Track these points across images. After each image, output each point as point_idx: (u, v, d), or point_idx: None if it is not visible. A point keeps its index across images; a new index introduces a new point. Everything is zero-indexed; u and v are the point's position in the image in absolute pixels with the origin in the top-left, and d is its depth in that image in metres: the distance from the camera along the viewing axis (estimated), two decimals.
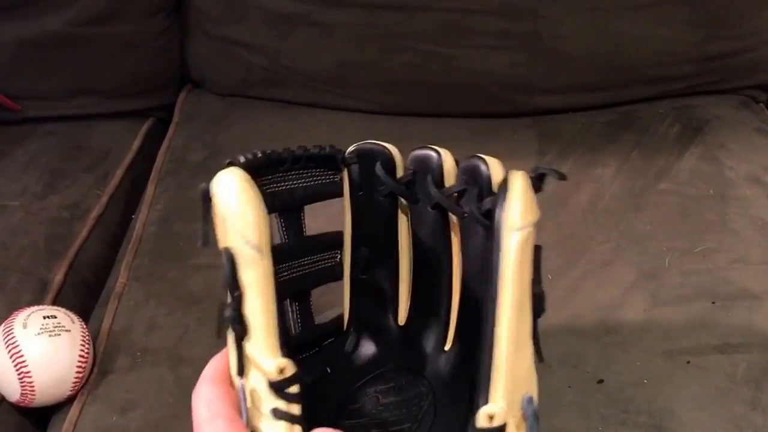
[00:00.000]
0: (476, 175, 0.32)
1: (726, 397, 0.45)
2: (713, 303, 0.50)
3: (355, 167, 0.36)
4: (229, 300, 0.30)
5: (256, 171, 0.34)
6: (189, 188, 0.64)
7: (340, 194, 0.38)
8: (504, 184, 0.30)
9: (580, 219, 0.59)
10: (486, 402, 0.29)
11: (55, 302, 0.55)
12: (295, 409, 0.31)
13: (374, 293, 0.38)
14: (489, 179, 0.32)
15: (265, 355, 0.29)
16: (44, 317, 0.47)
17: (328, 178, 0.37)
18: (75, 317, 0.49)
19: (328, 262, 0.39)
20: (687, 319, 0.49)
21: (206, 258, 0.57)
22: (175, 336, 0.50)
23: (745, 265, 0.53)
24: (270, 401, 0.31)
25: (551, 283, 0.53)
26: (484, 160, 0.32)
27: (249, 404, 0.32)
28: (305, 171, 0.36)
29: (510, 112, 0.70)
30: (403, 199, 0.36)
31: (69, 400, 0.47)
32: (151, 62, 0.74)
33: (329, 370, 0.36)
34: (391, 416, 0.35)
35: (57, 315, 0.48)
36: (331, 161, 0.37)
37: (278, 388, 0.30)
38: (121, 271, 0.57)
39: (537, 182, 0.31)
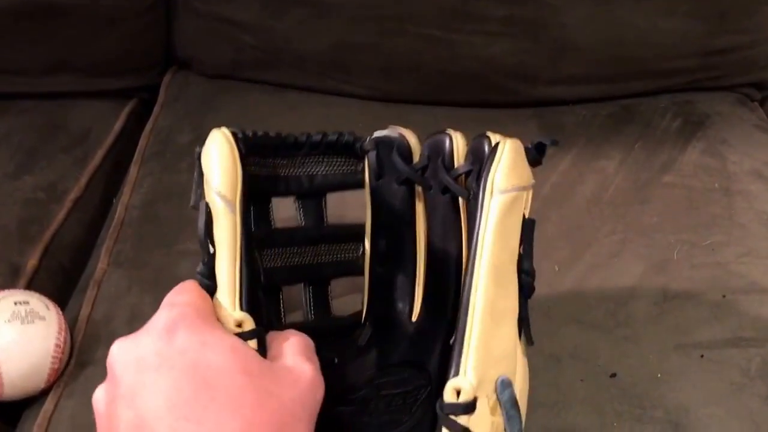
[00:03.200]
0: (479, 154, 0.32)
1: (741, 392, 0.44)
2: (724, 296, 0.50)
3: (373, 155, 0.36)
4: (202, 255, 0.30)
5: (269, 149, 0.35)
6: (175, 171, 0.61)
7: (362, 185, 0.37)
8: (492, 151, 0.30)
9: (585, 211, 0.57)
10: (456, 375, 0.27)
11: (29, 288, 0.52)
12: None
13: (391, 287, 0.37)
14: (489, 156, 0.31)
15: (226, 307, 0.29)
16: (15, 303, 0.44)
17: (350, 168, 0.38)
18: (51, 303, 0.46)
19: (348, 254, 0.39)
20: (698, 312, 0.48)
21: (193, 244, 0.53)
22: None
23: (754, 258, 0.53)
24: None
25: (558, 274, 0.51)
26: (488, 138, 0.32)
27: None
28: (326, 158, 0.37)
29: (511, 102, 0.69)
30: (419, 187, 0.36)
31: (43, 394, 0.44)
32: (136, 39, 0.70)
33: (336, 360, 0.35)
34: (386, 407, 0.34)
35: (30, 301, 0.45)
36: (350, 149, 0.37)
37: None
38: (101, 256, 0.54)
39: (534, 153, 0.31)
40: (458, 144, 0.34)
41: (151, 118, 0.69)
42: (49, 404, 0.44)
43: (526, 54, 0.66)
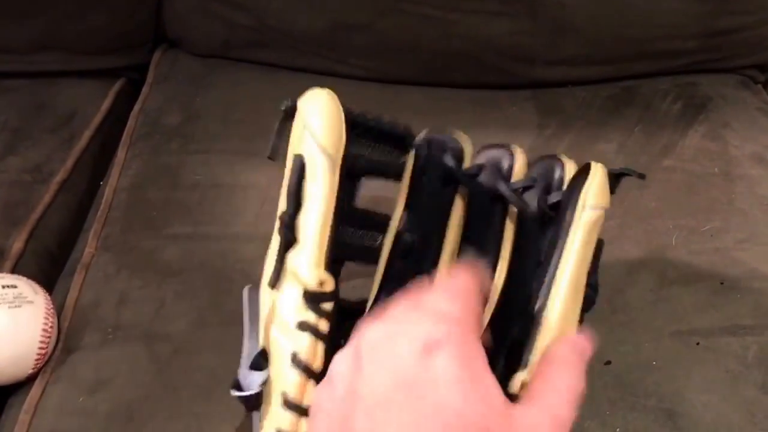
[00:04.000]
0: (548, 173, 0.35)
1: (737, 380, 0.43)
2: (722, 283, 0.49)
3: (423, 150, 0.37)
4: (287, 207, 0.30)
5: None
6: (164, 153, 0.60)
7: (399, 178, 0.38)
8: (580, 172, 0.33)
9: None
10: (524, 368, 0.30)
11: (14, 272, 0.51)
12: (324, 325, 0.31)
13: (407, 283, 0.36)
14: (561, 176, 0.34)
15: (310, 265, 0.30)
16: (3, 287, 0.43)
17: (393, 158, 0.38)
18: (38, 288, 0.45)
19: (369, 242, 0.38)
20: (696, 299, 0.48)
21: (183, 227, 0.53)
22: (149, 311, 0.47)
23: (753, 245, 0.52)
24: (300, 314, 0.31)
25: None
26: (559, 159, 0.35)
27: (270, 316, 0.32)
28: (375, 143, 0.37)
29: (508, 84, 0.68)
30: (462, 191, 0.37)
31: (30, 380, 0.43)
32: (125, 17, 0.68)
33: (342, 342, 0.35)
34: None
35: (18, 285, 0.44)
36: (401, 142, 0.37)
37: (313, 299, 0.30)
38: (89, 240, 0.53)
39: (613, 180, 0.33)
40: (519, 160, 0.36)
41: (140, 99, 0.67)
42: (36, 390, 0.43)
43: (525, 34, 0.64)
